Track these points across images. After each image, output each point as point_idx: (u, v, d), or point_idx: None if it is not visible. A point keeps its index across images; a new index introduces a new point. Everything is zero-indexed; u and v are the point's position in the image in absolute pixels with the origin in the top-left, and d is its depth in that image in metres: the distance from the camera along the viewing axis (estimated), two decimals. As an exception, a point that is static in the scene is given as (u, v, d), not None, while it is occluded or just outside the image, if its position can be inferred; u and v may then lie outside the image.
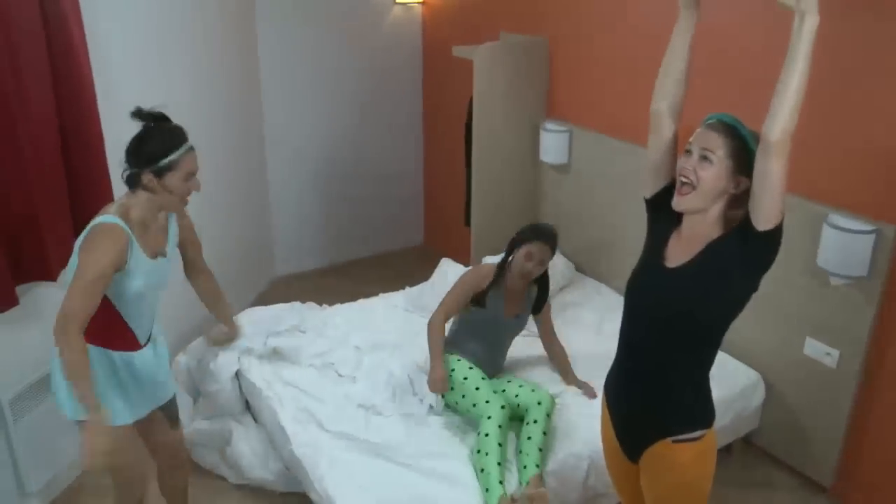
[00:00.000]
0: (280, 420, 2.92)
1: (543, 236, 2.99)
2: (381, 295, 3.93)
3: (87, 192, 2.96)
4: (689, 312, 1.88)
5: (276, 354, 3.29)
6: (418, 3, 5.12)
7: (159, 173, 2.16)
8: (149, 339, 2.40)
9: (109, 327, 2.26)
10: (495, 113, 4.07)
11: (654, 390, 1.98)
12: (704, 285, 1.85)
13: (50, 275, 2.82)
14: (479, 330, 3.10)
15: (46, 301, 2.95)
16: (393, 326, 3.59)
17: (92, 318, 2.10)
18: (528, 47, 4.11)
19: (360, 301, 3.87)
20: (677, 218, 1.95)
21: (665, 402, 1.96)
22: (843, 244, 2.82)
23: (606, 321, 3.64)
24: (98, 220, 2.16)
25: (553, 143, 4.09)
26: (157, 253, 2.31)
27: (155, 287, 2.33)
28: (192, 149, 2.24)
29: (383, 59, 5.15)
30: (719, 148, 1.84)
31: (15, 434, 2.81)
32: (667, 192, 1.97)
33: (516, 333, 3.21)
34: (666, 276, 1.93)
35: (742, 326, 3.33)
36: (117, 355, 2.30)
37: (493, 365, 3.16)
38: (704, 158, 1.83)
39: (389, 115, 5.32)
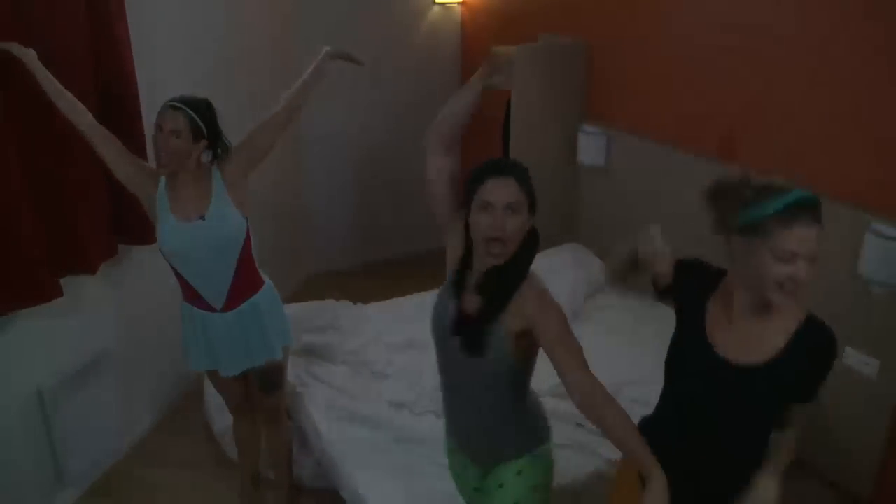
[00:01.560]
0: (312, 416, 2.94)
1: (499, 169, 1.87)
2: (414, 294, 3.94)
3: (126, 189, 3.01)
4: (769, 413, 1.75)
5: (309, 351, 3.31)
6: (457, 3, 5.12)
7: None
8: (229, 306, 2.51)
9: (184, 286, 2.49)
10: (533, 114, 4.06)
11: (727, 472, 1.83)
12: (791, 390, 1.73)
13: (90, 268, 2.87)
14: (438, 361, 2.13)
15: (86, 293, 3.01)
16: (427, 326, 3.58)
17: (177, 276, 2.45)
18: (567, 49, 4.09)
19: (394, 300, 3.88)
20: (709, 281, 1.85)
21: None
22: (886, 252, 2.76)
23: (641, 324, 3.61)
24: None
25: (591, 146, 4.07)
26: (191, 215, 2.38)
27: (192, 250, 2.41)
28: (170, 107, 2.34)
29: (422, 59, 5.16)
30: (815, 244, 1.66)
31: (54, 423, 2.86)
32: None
33: (492, 375, 1.93)
34: (732, 374, 1.73)
35: (779, 334, 3.30)
36: (197, 313, 2.51)
37: (463, 439, 2.09)
38: (811, 261, 1.67)
39: (427, 115, 5.26)
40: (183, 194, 2.39)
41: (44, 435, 2.87)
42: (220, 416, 3.34)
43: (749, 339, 1.72)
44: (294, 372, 3.19)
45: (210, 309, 2.51)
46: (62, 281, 2.79)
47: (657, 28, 3.71)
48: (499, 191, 1.81)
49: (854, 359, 3.04)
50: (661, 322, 3.61)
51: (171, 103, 2.34)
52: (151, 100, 3.13)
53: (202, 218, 2.39)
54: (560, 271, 3.76)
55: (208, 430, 3.42)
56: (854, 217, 2.91)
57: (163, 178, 2.40)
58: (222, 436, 3.32)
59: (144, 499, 3.15)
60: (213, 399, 3.39)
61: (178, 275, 2.49)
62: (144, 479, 3.25)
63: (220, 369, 2.61)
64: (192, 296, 2.51)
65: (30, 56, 2.35)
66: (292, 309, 3.53)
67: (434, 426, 2.88)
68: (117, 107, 2.91)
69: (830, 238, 2.97)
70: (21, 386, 2.77)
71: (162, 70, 3.29)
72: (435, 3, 5.04)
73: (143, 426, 3.50)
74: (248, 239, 2.54)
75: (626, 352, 3.39)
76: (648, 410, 2.94)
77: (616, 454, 2.73)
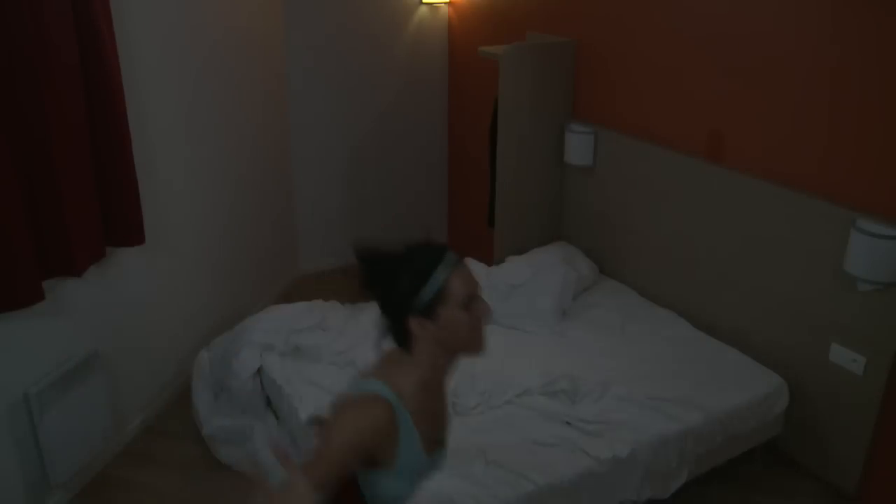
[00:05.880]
0: (301, 418, 2.93)
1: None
2: (403, 294, 3.93)
3: (114, 190, 3.01)
4: None
5: (297, 352, 3.30)
6: (445, 3, 5.13)
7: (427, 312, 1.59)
8: None
9: None
10: (520, 113, 4.06)
11: None
12: None
13: (77, 270, 2.86)
14: None
15: (74, 295, 3.00)
16: (414, 326, 3.59)
17: None
18: (555, 48, 4.10)
19: (382, 300, 3.87)
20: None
21: None
22: (871, 249, 2.78)
23: (629, 322, 3.62)
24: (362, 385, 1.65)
25: (578, 145, 4.07)
26: (435, 442, 1.73)
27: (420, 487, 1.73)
28: (457, 263, 1.64)
29: (409, 59, 5.16)
30: None
31: (41, 427, 2.85)
32: None
33: None
34: None
35: (767, 331, 3.33)
36: None
37: None
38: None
39: (415, 114, 5.33)
40: (434, 407, 1.71)
41: (31, 438, 2.86)
42: (209, 419, 3.34)
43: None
44: (282, 372, 3.18)
45: None
46: (49, 283, 2.77)
47: (645, 26, 3.72)
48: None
49: (840, 355, 3.06)
50: (650, 321, 3.66)
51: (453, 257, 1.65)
52: (136, 101, 3.13)
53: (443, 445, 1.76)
54: (548, 269, 3.77)
55: (196, 432, 3.41)
56: (839, 215, 2.93)
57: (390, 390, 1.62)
58: (210, 438, 3.31)
59: (133, 501, 3.13)
60: (202, 402, 3.39)
61: None
62: (133, 482, 3.23)
63: None
64: None
65: None
66: (281, 309, 3.54)
67: (423, 426, 2.88)
68: (101, 107, 2.89)
69: (818, 235, 3.02)
70: (7, 390, 2.75)
71: (147, 73, 3.28)
72: (422, 2, 5.04)
73: (131, 428, 3.48)
74: None
75: (615, 350, 3.40)
76: (635, 408, 2.97)
77: (608, 452, 2.75)
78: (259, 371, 3.27)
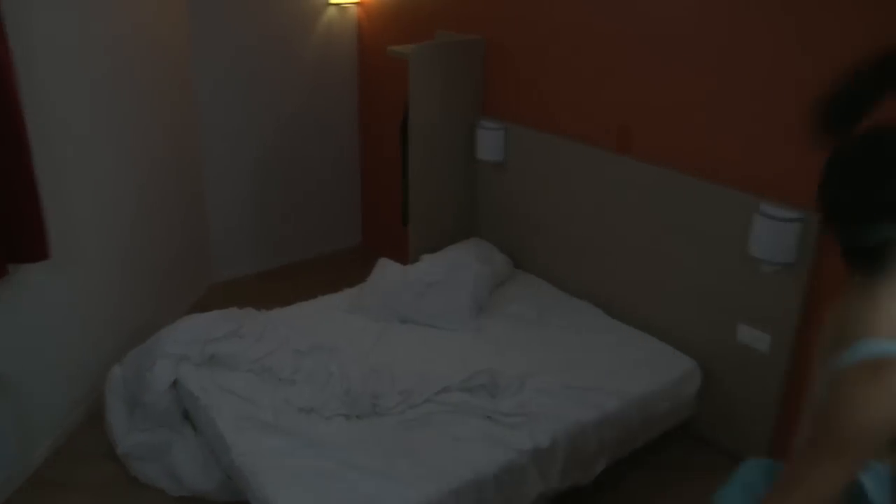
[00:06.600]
0: (219, 428, 2.88)
1: None
2: (319, 297, 3.90)
3: (14, 204, 2.88)
4: None
5: (213, 361, 3.24)
6: (353, 3, 5.10)
7: None
8: None
9: None
10: (431, 111, 4.08)
11: None
12: None
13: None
14: None
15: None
16: (332, 328, 3.57)
17: None
18: (464, 47, 4.13)
19: (299, 304, 3.83)
20: None
21: None
22: (773, 232, 2.91)
23: (545, 314, 3.69)
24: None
25: (489, 141, 4.12)
26: None
27: None
28: None
29: (319, 61, 5.12)
30: None
31: None
32: None
33: None
34: None
35: (678, 316, 3.44)
36: None
37: None
38: None
39: (326, 116, 5.29)
40: None
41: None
42: (124, 436, 3.24)
43: None
44: (199, 383, 3.12)
45: None
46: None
47: (552, 24, 3.78)
48: None
49: (747, 335, 3.19)
50: (565, 312, 3.73)
51: None
52: (37, 112, 3.00)
53: None
54: (463, 266, 3.80)
55: (111, 451, 3.31)
56: (743, 201, 3.06)
57: None
58: (126, 456, 3.22)
59: (45, 527, 3.02)
60: (116, 419, 3.29)
61: None
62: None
63: None
64: None
65: None
66: (195, 319, 3.46)
67: (343, 429, 2.87)
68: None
69: (724, 221, 3.14)
70: None
71: (48, 81, 3.15)
72: (329, 3, 5.00)
73: (40, 453, 3.34)
74: None
75: (531, 342, 3.45)
76: (554, 400, 3.03)
77: (528, 443, 2.79)
78: (175, 383, 3.19)
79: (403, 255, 4.28)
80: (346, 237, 5.71)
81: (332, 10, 5.05)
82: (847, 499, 1.29)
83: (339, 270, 5.21)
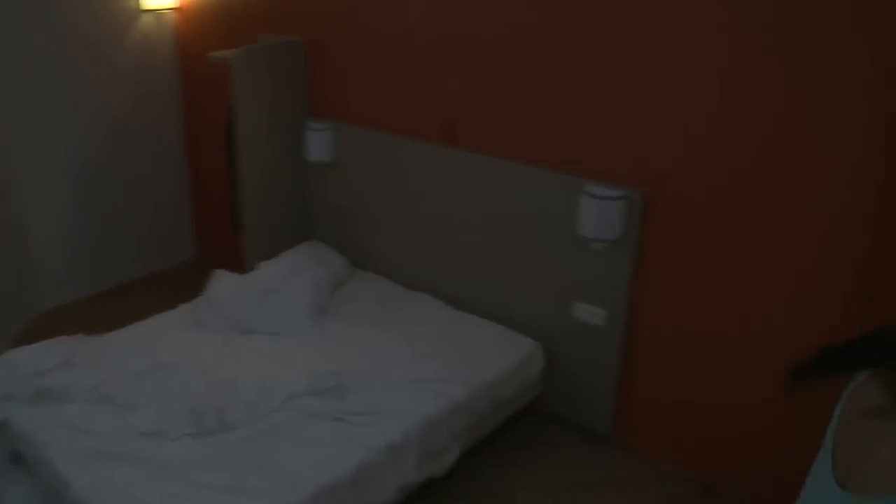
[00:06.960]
0: (56, 466, 2.72)
1: None
2: (154, 316, 3.76)
3: None
4: None
5: (45, 395, 3.06)
6: (170, 9, 4.91)
7: None
8: None
9: None
10: (257, 115, 4.02)
11: None
12: None
13: None
14: None
15: None
16: (172, 346, 3.45)
17: None
18: (285, 48, 4.10)
19: (134, 325, 3.68)
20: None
21: None
22: (599, 211, 3.09)
23: (386, 310, 3.75)
24: None
25: (318, 142, 4.11)
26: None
27: None
28: None
29: (137, 69, 4.89)
30: None
31: None
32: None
33: None
34: None
35: (517, 299, 3.59)
36: None
37: None
38: None
39: (148, 126, 5.07)
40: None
41: None
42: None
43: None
44: (29, 421, 2.93)
45: None
46: None
47: (372, 22, 3.83)
48: None
49: (584, 312, 3.37)
50: (406, 306, 3.80)
51: None
52: None
53: None
54: (300, 270, 3.79)
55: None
56: (570, 183, 3.22)
57: None
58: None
59: None
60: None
61: None
62: None
63: None
64: None
65: None
66: (19, 353, 3.26)
67: (192, 448, 2.80)
68: None
69: (553, 204, 3.30)
70: None
71: None
72: (143, 10, 4.79)
73: None
74: None
75: (375, 339, 3.50)
76: (402, 395, 3.09)
77: (381, 440, 2.83)
78: (1, 425, 2.99)
79: (240, 265, 4.20)
80: (180, 251, 5.51)
81: (147, 17, 4.84)
82: None
83: (175, 286, 5.02)
